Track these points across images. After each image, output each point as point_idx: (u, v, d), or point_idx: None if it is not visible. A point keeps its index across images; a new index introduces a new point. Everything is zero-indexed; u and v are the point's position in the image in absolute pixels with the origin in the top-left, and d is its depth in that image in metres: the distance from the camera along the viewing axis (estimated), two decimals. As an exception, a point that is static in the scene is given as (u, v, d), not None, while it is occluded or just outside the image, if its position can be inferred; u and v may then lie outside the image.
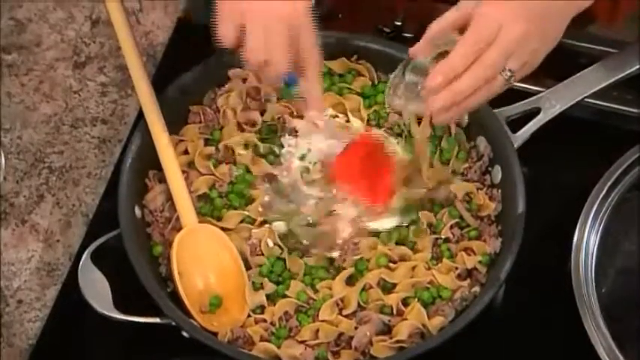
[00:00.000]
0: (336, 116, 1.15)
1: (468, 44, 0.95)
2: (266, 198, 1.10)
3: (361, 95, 1.15)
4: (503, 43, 0.95)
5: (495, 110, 1.11)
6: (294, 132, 1.13)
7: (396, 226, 1.08)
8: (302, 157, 1.12)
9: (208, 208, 1.10)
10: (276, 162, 1.12)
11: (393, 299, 1.03)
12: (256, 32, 0.97)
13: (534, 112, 1.11)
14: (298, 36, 0.98)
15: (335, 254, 1.07)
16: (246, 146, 1.13)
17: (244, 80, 1.16)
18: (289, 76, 1.01)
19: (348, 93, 1.16)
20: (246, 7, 0.97)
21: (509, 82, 0.97)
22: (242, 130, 1.14)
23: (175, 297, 1.04)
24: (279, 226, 1.08)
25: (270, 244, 1.07)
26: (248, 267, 1.07)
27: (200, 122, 1.14)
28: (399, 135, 1.13)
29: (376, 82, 1.16)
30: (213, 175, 1.11)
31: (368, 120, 1.14)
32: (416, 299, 1.03)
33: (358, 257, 1.06)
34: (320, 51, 1.01)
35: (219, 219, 1.09)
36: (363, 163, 1.10)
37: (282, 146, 1.13)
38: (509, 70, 0.96)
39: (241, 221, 1.09)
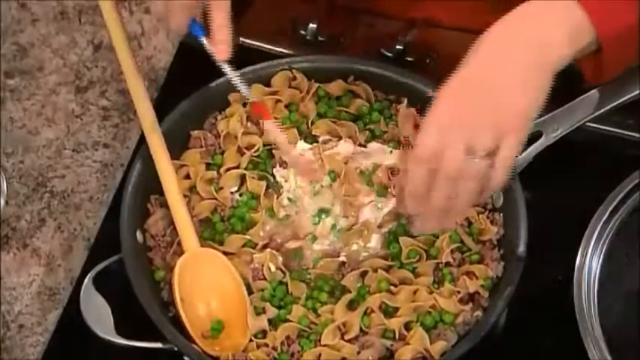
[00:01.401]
0: (329, 140, 1.14)
1: (415, 173, 0.91)
2: (267, 227, 1.10)
3: (356, 117, 1.15)
4: (451, 154, 0.89)
5: (497, 134, 1.10)
6: (284, 163, 1.13)
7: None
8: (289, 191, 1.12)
9: (210, 233, 1.09)
10: (272, 186, 1.12)
11: (395, 324, 1.03)
12: None
13: (536, 136, 1.10)
14: None
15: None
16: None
17: (244, 104, 1.16)
18: (193, 25, 1.04)
19: (345, 117, 1.15)
20: None
21: (504, 164, 0.91)
22: (242, 155, 1.14)
23: (177, 322, 1.04)
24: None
25: (273, 268, 1.07)
26: (250, 291, 1.06)
27: (201, 147, 1.14)
28: (397, 146, 1.13)
29: (373, 102, 1.16)
30: (215, 199, 1.11)
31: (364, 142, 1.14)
32: (418, 323, 1.03)
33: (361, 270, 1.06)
34: None
35: (221, 243, 1.09)
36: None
37: (274, 176, 1.13)
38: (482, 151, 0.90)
39: (243, 245, 1.09)
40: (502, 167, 0.91)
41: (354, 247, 1.08)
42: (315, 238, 1.09)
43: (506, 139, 0.90)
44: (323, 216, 1.09)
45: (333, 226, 1.09)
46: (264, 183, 1.11)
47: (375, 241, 1.08)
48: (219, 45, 1.05)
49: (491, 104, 0.90)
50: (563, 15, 0.93)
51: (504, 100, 0.91)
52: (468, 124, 0.90)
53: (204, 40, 1.06)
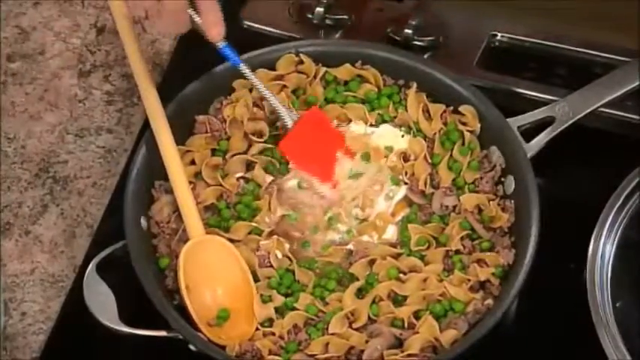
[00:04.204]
0: (339, 125, 1.14)
1: None
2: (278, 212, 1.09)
3: (365, 102, 1.14)
4: None
5: (508, 119, 1.09)
6: None
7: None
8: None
9: (216, 220, 1.08)
10: (276, 171, 1.11)
11: (404, 312, 1.02)
12: None
13: (548, 121, 1.10)
14: None
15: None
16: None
17: (250, 90, 1.14)
18: (225, 49, 1.06)
19: (352, 101, 1.14)
20: None
21: None
22: (249, 141, 1.13)
23: (182, 310, 1.03)
24: None
25: (280, 255, 1.06)
26: (256, 279, 1.05)
27: (206, 132, 1.13)
28: (408, 131, 1.12)
29: (382, 87, 1.15)
30: (220, 185, 1.10)
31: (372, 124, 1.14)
32: (428, 312, 1.02)
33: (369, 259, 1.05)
34: None
35: (226, 230, 1.08)
36: (312, 140, 1.09)
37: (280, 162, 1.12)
38: None
39: (249, 232, 1.08)
40: None
41: (365, 237, 1.07)
42: (316, 230, 1.08)
43: None
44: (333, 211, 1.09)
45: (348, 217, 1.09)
46: (269, 177, 1.10)
47: (389, 233, 1.08)
48: (212, 28, 1.04)
49: None
50: None
51: None
52: None
53: (241, 66, 1.07)
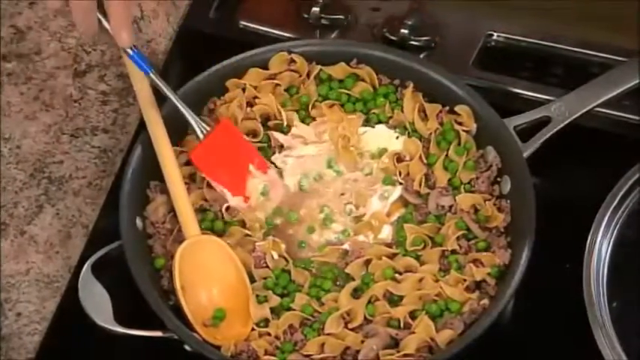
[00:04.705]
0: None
1: None
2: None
3: (360, 100, 1.14)
4: None
5: (504, 119, 1.09)
6: (281, 149, 1.12)
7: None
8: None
9: (208, 223, 1.08)
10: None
11: (400, 312, 1.02)
12: None
13: (544, 121, 1.09)
14: None
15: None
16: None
17: (243, 90, 1.14)
18: (136, 55, 1.03)
19: (347, 99, 1.14)
20: None
21: None
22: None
23: (178, 310, 1.02)
24: None
25: (276, 256, 1.06)
26: (252, 280, 1.05)
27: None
28: (403, 132, 1.12)
29: (377, 86, 1.15)
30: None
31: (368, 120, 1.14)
32: (424, 312, 1.02)
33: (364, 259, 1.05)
34: None
35: (220, 234, 1.07)
36: (223, 152, 1.09)
37: (274, 165, 1.12)
38: None
39: (245, 235, 1.07)
40: None
41: (361, 237, 1.07)
42: (313, 230, 1.08)
43: None
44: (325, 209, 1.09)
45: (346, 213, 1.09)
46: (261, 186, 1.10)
47: (385, 233, 1.08)
48: (121, 32, 1.02)
49: None
50: None
51: None
52: None
53: (151, 74, 1.06)
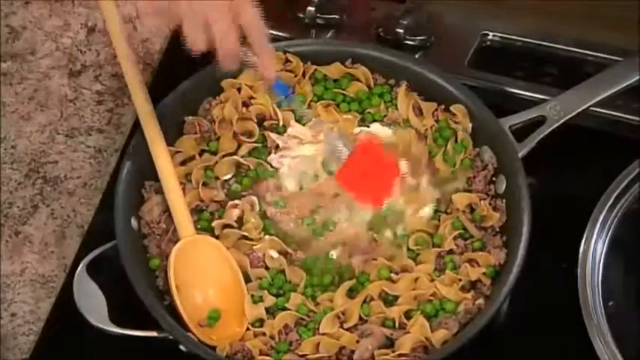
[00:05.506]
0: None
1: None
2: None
3: (355, 100, 1.14)
4: None
5: (500, 119, 1.09)
6: (277, 149, 1.12)
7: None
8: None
9: (204, 223, 1.08)
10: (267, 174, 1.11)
11: (395, 312, 1.02)
12: (196, 21, 0.98)
13: (539, 121, 1.09)
14: (239, 14, 0.99)
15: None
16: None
17: (239, 90, 1.14)
18: (278, 84, 1.04)
19: (343, 99, 1.14)
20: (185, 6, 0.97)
21: None
22: (238, 141, 1.12)
23: (173, 310, 1.02)
24: None
25: (275, 255, 1.06)
26: (247, 279, 1.05)
27: (196, 133, 1.13)
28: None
29: (372, 86, 1.15)
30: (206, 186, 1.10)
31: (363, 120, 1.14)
32: (419, 312, 1.02)
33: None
34: (261, 19, 1.01)
35: (216, 237, 1.07)
36: (366, 169, 1.10)
37: (270, 165, 1.11)
38: None
39: (239, 238, 1.07)
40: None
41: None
42: (310, 230, 1.08)
43: None
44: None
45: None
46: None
47: (425, 211, 1.08)
48: (268, 69, 1.03)
49: None
50: None
51: None
52: None
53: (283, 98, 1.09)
